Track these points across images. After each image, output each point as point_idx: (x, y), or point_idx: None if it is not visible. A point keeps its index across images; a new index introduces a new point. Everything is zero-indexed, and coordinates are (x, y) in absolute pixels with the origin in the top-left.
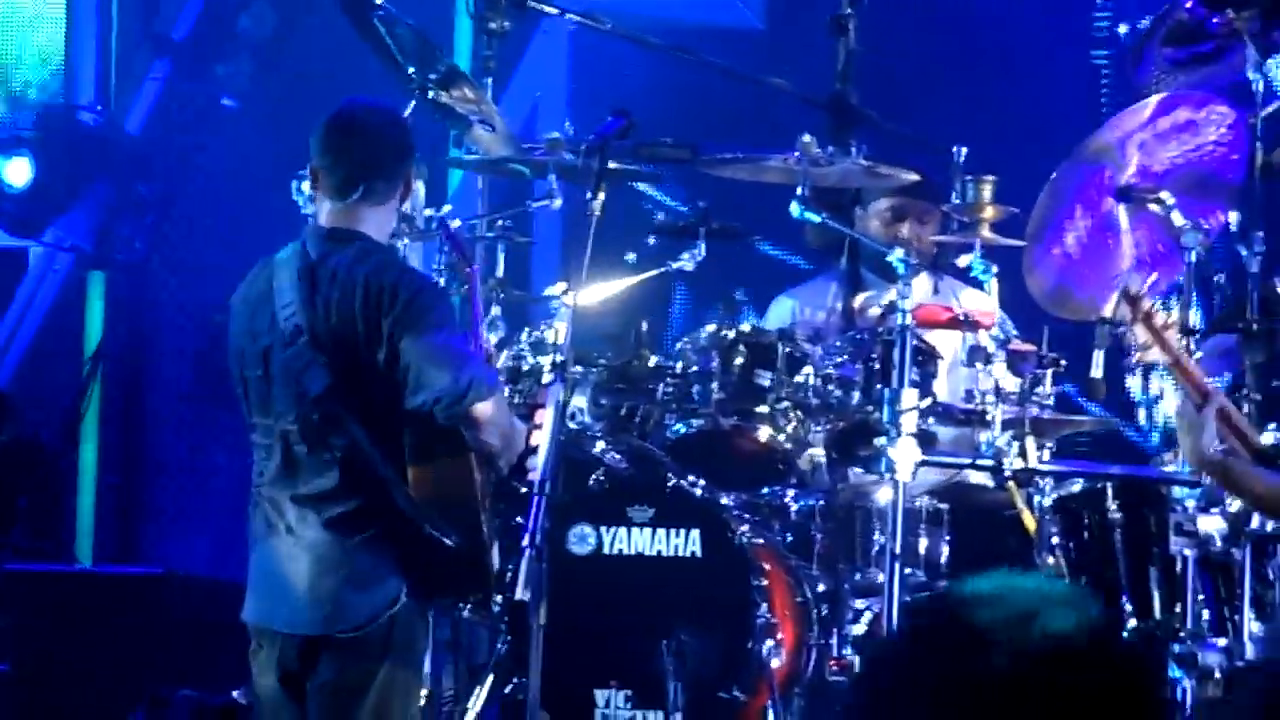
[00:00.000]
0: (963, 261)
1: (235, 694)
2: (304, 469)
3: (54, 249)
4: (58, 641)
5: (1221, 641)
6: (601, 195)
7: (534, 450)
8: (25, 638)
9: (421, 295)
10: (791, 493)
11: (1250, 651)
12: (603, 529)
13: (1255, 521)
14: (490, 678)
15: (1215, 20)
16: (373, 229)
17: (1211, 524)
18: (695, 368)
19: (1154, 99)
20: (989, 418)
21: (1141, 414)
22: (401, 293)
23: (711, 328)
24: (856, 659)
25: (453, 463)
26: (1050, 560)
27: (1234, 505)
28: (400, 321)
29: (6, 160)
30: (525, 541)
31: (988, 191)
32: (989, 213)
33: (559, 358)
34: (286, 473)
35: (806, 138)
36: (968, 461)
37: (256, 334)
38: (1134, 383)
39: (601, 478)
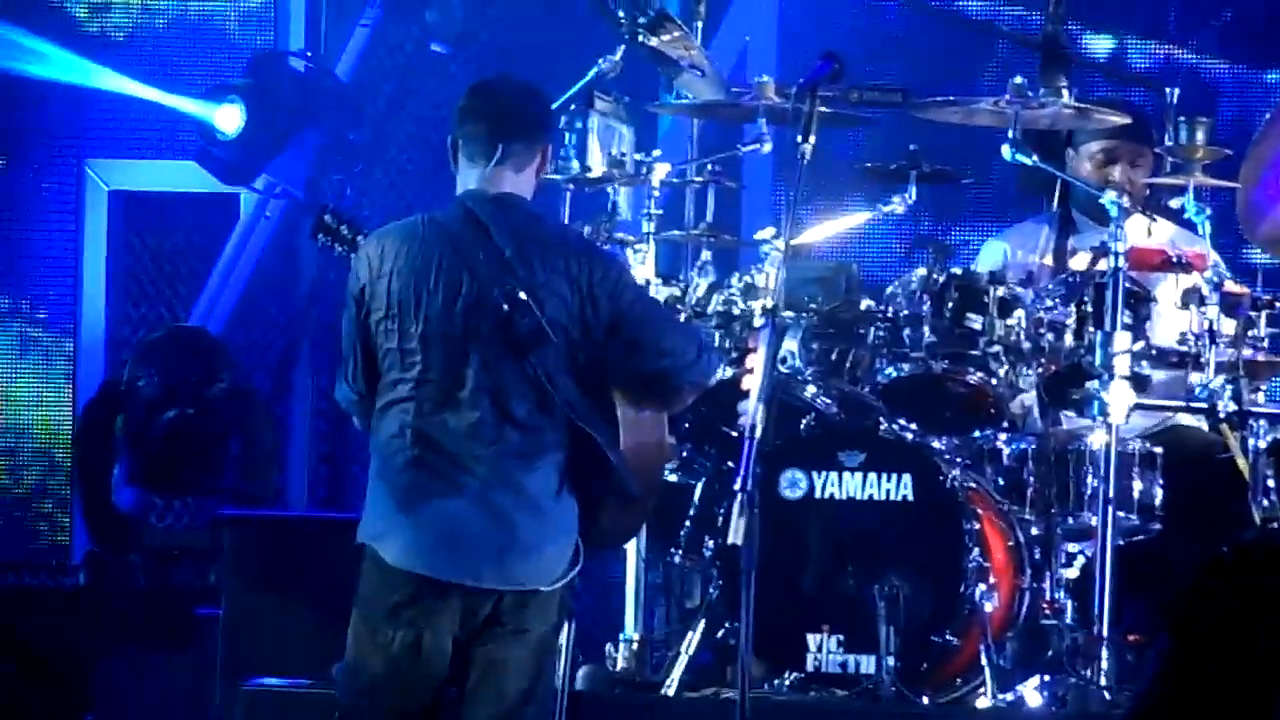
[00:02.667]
0: (1176, 204)
1: None
2: (516, 429)
3: (265, 196)
4: (270, 585)
5: None
6: (811, 139)
7: (745, 395)
8: (239, 582)
9: (623, 264)
10: (1003, 437)
11: None
12: (814, 473)
13: None
14: (702, 622)
15: None
16: (523, 194)
17: None
18: (906, 312)
19: None
20: (1203, 360)
21: None
22: (606, 260)
23: (922, 271)
24: (1069, 603)
25: (655, 421)
26: (1265, 503)
27: None
28: (617, 288)
29: (218, 107)
30: (737, 486)
31: (1201, 133)
32: (1202, 154)
33: (769, 302)
34: (489, 431)
35: (1018, 80)
36: (1181, 405)
37: (448, 290)
38: None
39: (813, 422)
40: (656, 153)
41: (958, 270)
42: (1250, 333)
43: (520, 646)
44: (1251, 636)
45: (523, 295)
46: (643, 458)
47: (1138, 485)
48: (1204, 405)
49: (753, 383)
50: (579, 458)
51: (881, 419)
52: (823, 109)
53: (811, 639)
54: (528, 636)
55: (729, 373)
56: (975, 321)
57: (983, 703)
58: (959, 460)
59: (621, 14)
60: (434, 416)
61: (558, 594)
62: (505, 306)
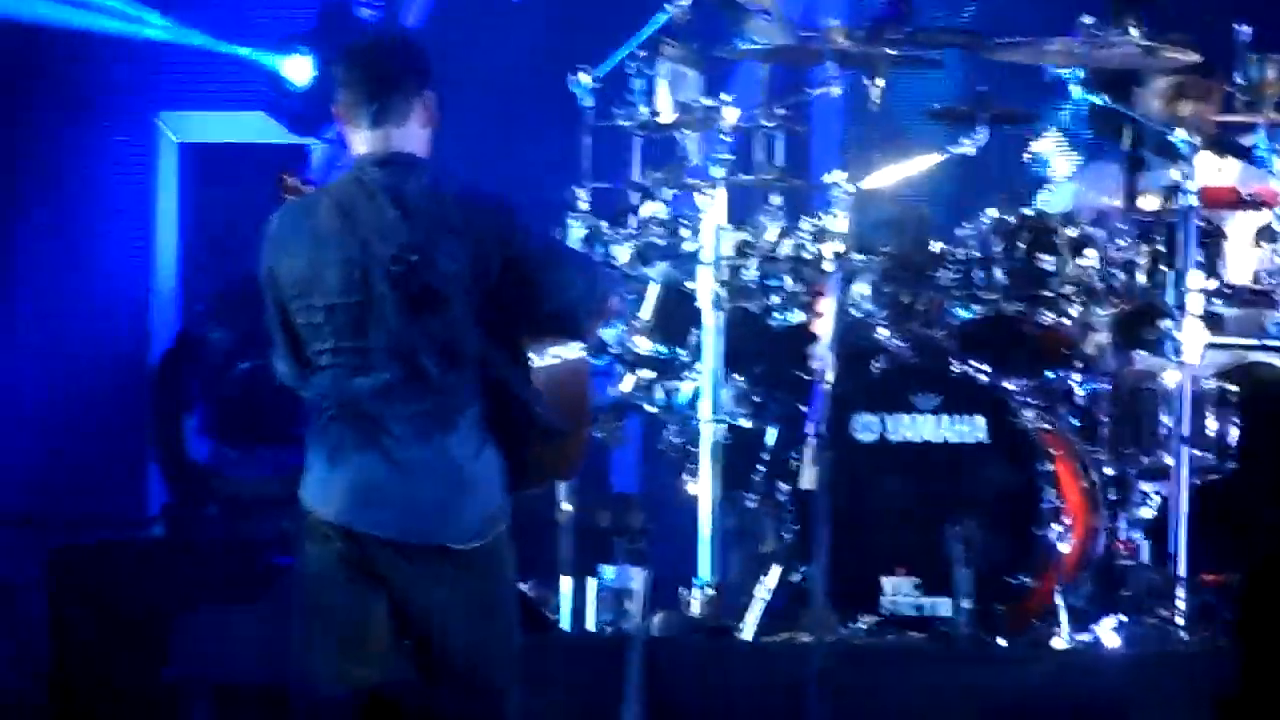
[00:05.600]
0: (1248, 141)
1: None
2: (430, 388)
3: (335, 146)
4: None
5: None
6: (880, 82)
7: (816, 339)
8: None
9: (515, 207)
10: (1077, 377)
11: None
12: (887, 416)
13: None
14: (777, 567)
15: None
16: (414, 150)
17: None
18: (978, 253)
19: None
20: (1276, 297)
21: None
22: (494, 206)
23: (994, 213)
24: (1144, 543)
25: (571, 359)
26: None
27: None
28: (506, 233)
29: (287, 58)
30: (810, 430)
31: (1273, 70)
32: (1274, 91)
33: (840, 246)
34: (402, 391)
35: (1087, 19)
36: (1255, 342)
37: (344, 260)
38: None
39: (885, 365)
40: (726, 98)
41: (1029, 211)
42: None
43: (453, 600)
44: None
45: (414, 256)
46: (563, 391)
47: (1212, 424)
48: (1278, 343)
49: (823, 327)
50: (496, 407)
51: (954, 361)
52: (892, 51)
53: (886, 582)
54: (457, 593)
55: (800, 317)
56: (1047, 262)
57: (1058, 644)
58: (1032, 401)
59: None
60: (349, 381)
61: (486, 554)
62: (397, 269)
